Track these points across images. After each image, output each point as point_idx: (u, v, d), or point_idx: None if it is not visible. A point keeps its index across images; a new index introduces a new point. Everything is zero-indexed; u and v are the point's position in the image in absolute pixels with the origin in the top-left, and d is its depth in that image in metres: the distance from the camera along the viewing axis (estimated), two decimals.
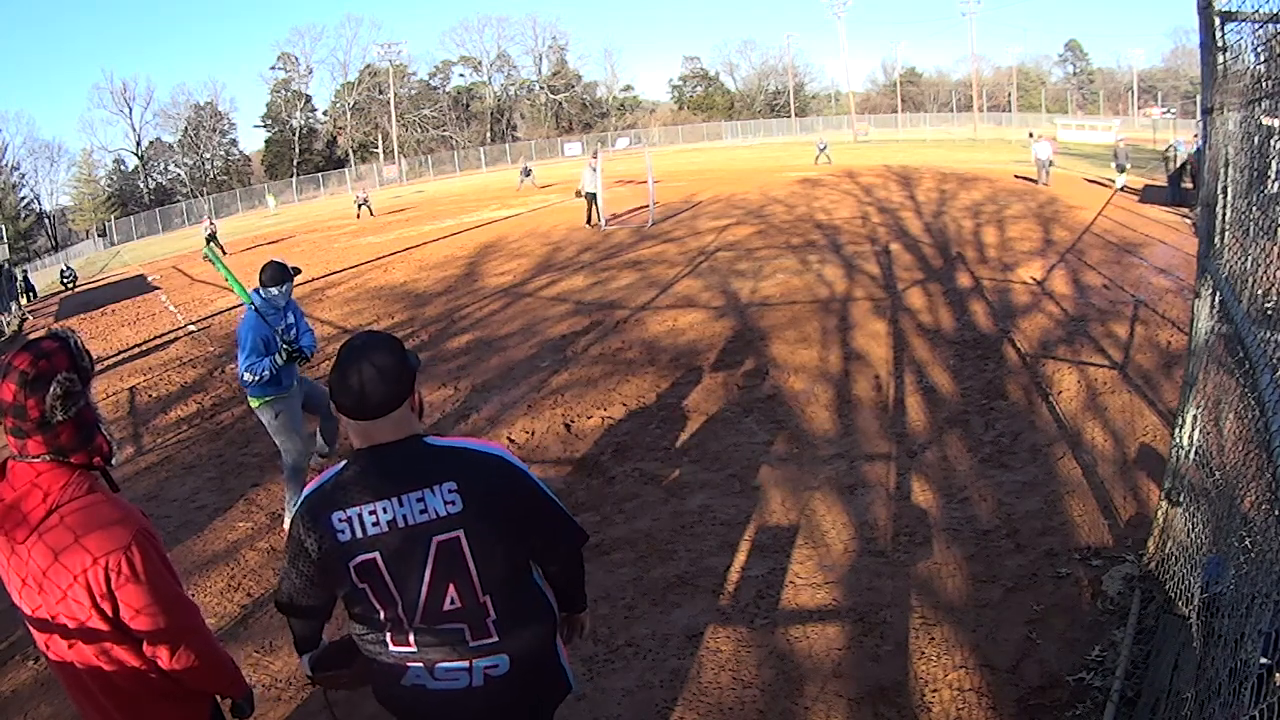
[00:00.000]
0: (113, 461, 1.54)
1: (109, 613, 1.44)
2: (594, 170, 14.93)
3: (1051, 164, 17.72)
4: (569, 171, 35.00)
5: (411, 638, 1.48)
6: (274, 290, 4.07)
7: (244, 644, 3.35)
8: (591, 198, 15.01)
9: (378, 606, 1.47)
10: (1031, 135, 32.37)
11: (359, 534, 1.42)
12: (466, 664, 1.48)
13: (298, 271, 4.29)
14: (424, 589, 1.44)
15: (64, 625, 1.45)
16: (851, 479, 4.35)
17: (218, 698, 1.73)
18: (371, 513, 1.42)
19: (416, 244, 16.21)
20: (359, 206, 25.50)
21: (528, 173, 28.56)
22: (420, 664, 1.50)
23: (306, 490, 1.50)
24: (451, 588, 1.44)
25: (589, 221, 15.08)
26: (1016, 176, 18.74)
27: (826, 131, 36.67)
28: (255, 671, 3.15)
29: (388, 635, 1.50)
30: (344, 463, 1.50)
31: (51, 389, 1.41)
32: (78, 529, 1.41)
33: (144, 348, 10.13)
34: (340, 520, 1.43)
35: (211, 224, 22.69)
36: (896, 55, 64.85)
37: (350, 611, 1.55)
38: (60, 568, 1.40)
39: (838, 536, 3.76)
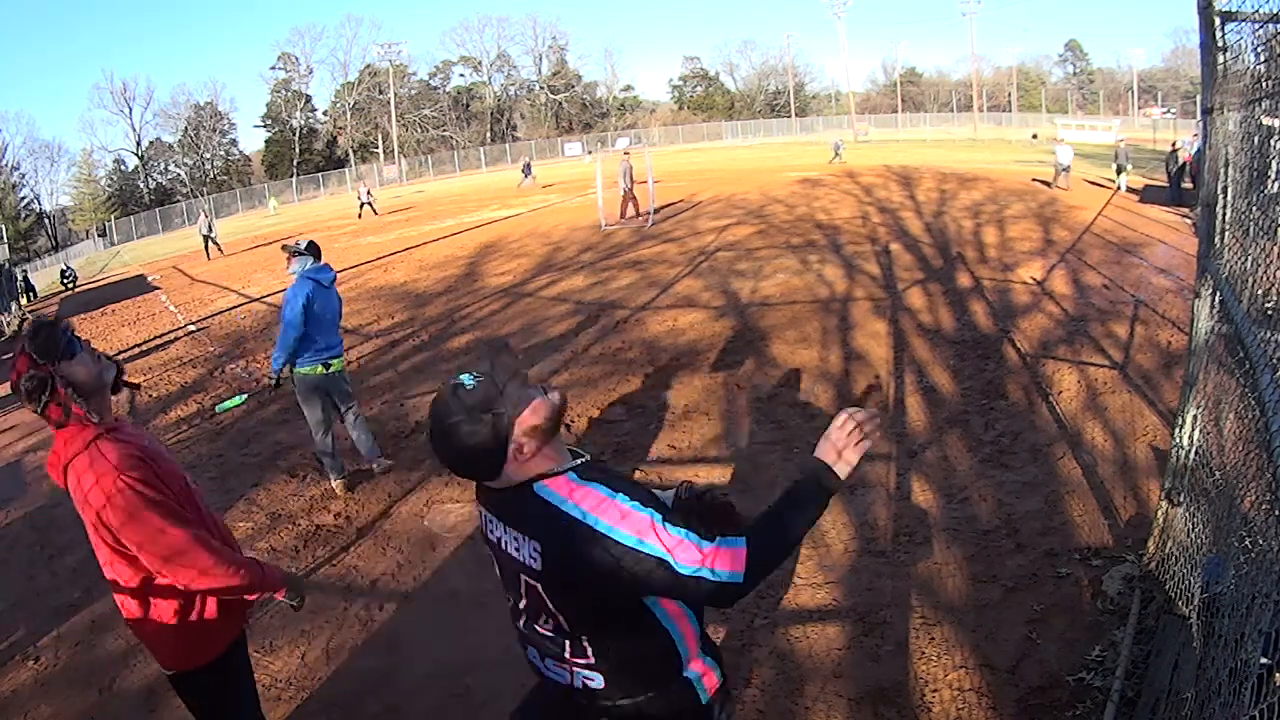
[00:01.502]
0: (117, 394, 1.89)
1: (122, 546, 1.77)
2: (629, 167, 14.97)
3: (1067, 169, 17.13)
4: (568, 171, 35.02)
5: (523, 630, 1.54)
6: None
7: None
8: (628, 194, 15.03)
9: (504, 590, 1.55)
10: (1035, 137, 32.39)
11: (489, 533, 1.51)
12: (567, 670, 1.48)
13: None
14: (521, 607, 1.49)
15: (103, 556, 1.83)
16: (851, 479, 4.34)
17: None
18: (494, 523, 1.48)
19: (417, 244, 16.21)
20: (361, 206, 25.47)
21: (529, 171, 28.52)
22: (535, 648, 1.53)
23: None
24: (542, 616, 1.45)
25: (623, 215, 15.09)
26: (1035, 180, 18.07)
27: (831, 132, 36.65)
28: (256, 671, 3.14)
29: (514, 618, 1.55)
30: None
31: (22, 391, 1.76)
32: (82, 483, 1.74)
33: (144, 348, 10.13)
34: (483, 517, 1.53)
35: (209, 221, 21.62)
36: (896, 55, 64.89)
37: None
38: (82, 514, 1.77)
39: (838, 536, 3.76)
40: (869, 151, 30.86)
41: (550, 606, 1.41)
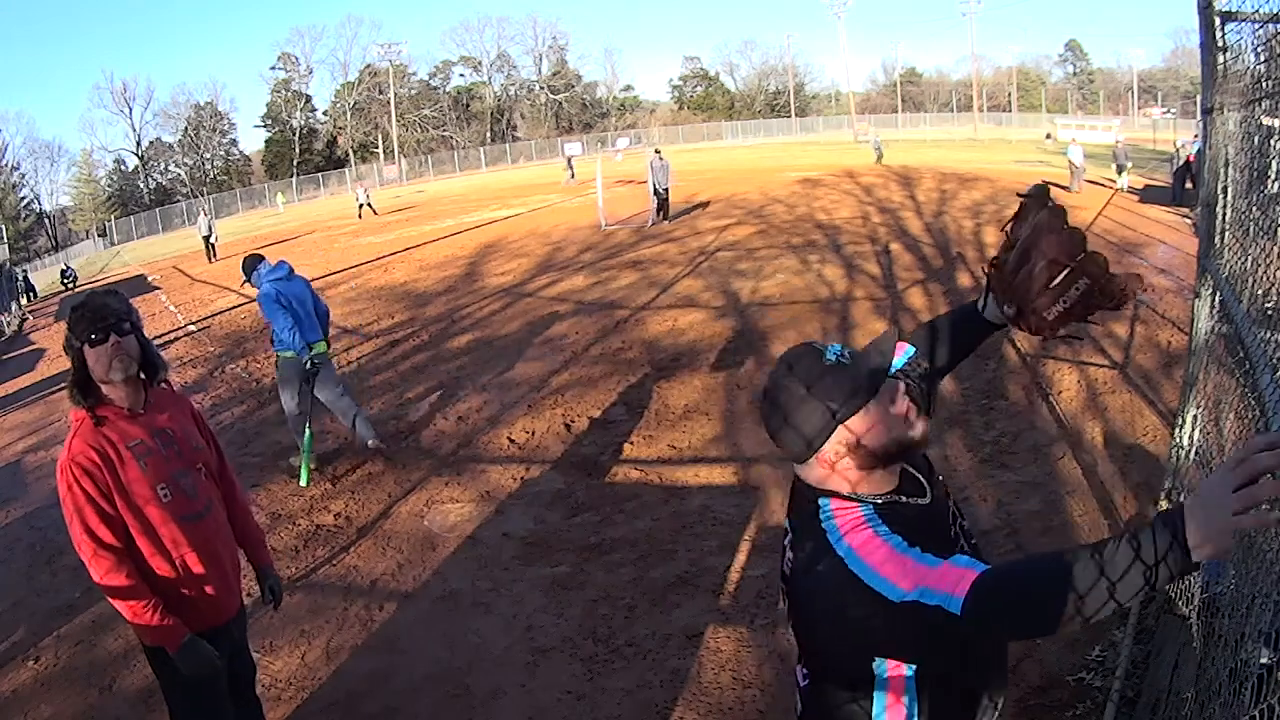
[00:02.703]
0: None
1: None
2: (663, 165, 14.80)
3: (1080, 169, 16.76)
4: (592, 169, 34.96)
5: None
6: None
7: None
8: (664, 192, 14.89)
9: None
10: (1049, 137, 32.23)
11: (788, 530, 1.32)
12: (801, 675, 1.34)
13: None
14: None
15: None
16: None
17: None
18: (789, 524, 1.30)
19: (417, 244, 16.21)
20: (360, 206, 25.47)
21: (570, 164, 28.26)
22: None
23: None
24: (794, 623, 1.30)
25: (659, 218, 14.90)
26: (1046, 181, 17.86)
27: (826, 131, 36.63)
28: (257, 670, 3.14)
29: None
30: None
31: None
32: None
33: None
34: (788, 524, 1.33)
35: (209, 221, 20.88)
36: (896, 55, 64.97)
37: None
38: None
39: None
40: (868, 151, 30.84)
41: (796, 622, 1.26)
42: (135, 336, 1.95)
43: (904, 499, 1.19)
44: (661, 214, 14.89)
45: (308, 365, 4.81)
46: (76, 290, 20.78)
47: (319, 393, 4.98)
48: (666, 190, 14.94)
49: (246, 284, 5.08)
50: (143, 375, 2.00)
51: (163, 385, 2.09)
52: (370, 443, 5.10)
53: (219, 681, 2.07)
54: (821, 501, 1.17)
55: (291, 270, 5.03)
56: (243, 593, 2.22)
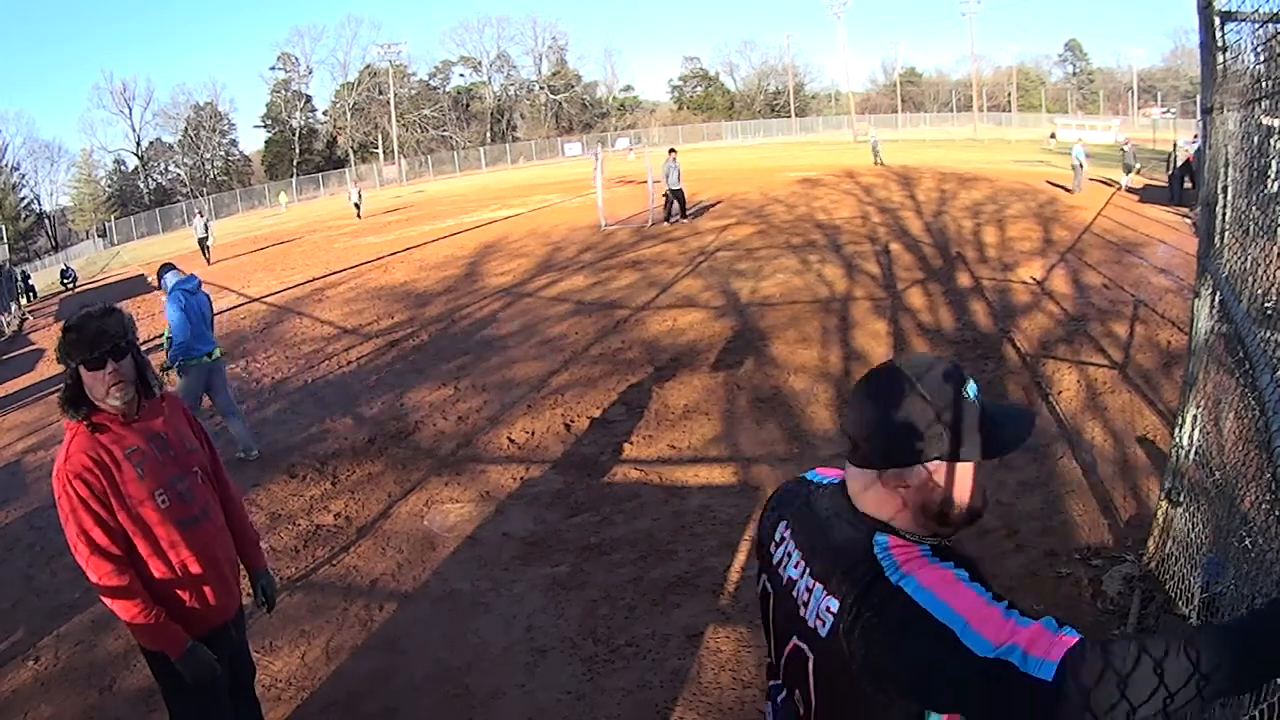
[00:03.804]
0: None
1: None
2: (675, 166, 14.74)
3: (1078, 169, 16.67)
4: (568, 172, 34.98)
5: (771, 684, 1.26)
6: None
7: None
8: (675, 194, 14.85)
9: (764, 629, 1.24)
10: (1053, 137, 32.19)
11: (776, 559, 1.16)
12: None
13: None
14: (781, 667, 1.18)
15: None
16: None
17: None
18: (789, 555, 1.13)
19: (417, 244, 16.21)
20: (356, 206, 25.53)
21: (596, 158, 27.99)
22: (772, 709, 1.26)
23: (808, 474, 1.25)
24: (796, 692, 1.14)
25: (669, 219, 14.78)
26: (1050, 183, 17.71)
27: (826, 131, 36.61)
28: (256, 671, 3.15)
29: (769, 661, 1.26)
30: (840, 480, 1.14)
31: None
32: (54, 471, 1.92)
33: (144, 348, 10.11)
34: (780, 533, 1.18)
35: (204, 222, 20.27)
36: (896, 55, 64.92)
37: None
38: None
39: None
40: (868, 151, 30.84)
41: (809, 685, 1.08)
42: (131, 355, 1.94)
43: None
44: (669, 211, 14.88)
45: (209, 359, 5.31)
46: (77, 291, 20.76)
47: (215, 397, 5.44)
48: (674, 191, 14.91)
49: (158, 289, 5.70)
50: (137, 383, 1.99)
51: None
52: (242, 453, 5.44)
53: (219, 684, 2.07)
54: (878, 537, 1.01)
55: (200, 285, 5.54)
56: (241, 594, 2.22)
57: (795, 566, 1.11)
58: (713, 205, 16.59)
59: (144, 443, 1.96)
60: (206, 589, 2.02)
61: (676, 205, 14.90)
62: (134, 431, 1.95)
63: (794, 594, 1.09)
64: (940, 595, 0.92)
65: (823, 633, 1.02)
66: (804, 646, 1.07)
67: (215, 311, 5.77)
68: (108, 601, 1.91)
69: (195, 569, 1.99)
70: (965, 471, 1.01)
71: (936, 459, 0.99)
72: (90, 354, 1.85)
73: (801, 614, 1.07)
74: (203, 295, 5.48)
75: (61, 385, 1.94)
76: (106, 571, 1.87)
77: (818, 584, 1.05)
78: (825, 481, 1.18)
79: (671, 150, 15.70)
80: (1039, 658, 0.86)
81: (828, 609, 1.02)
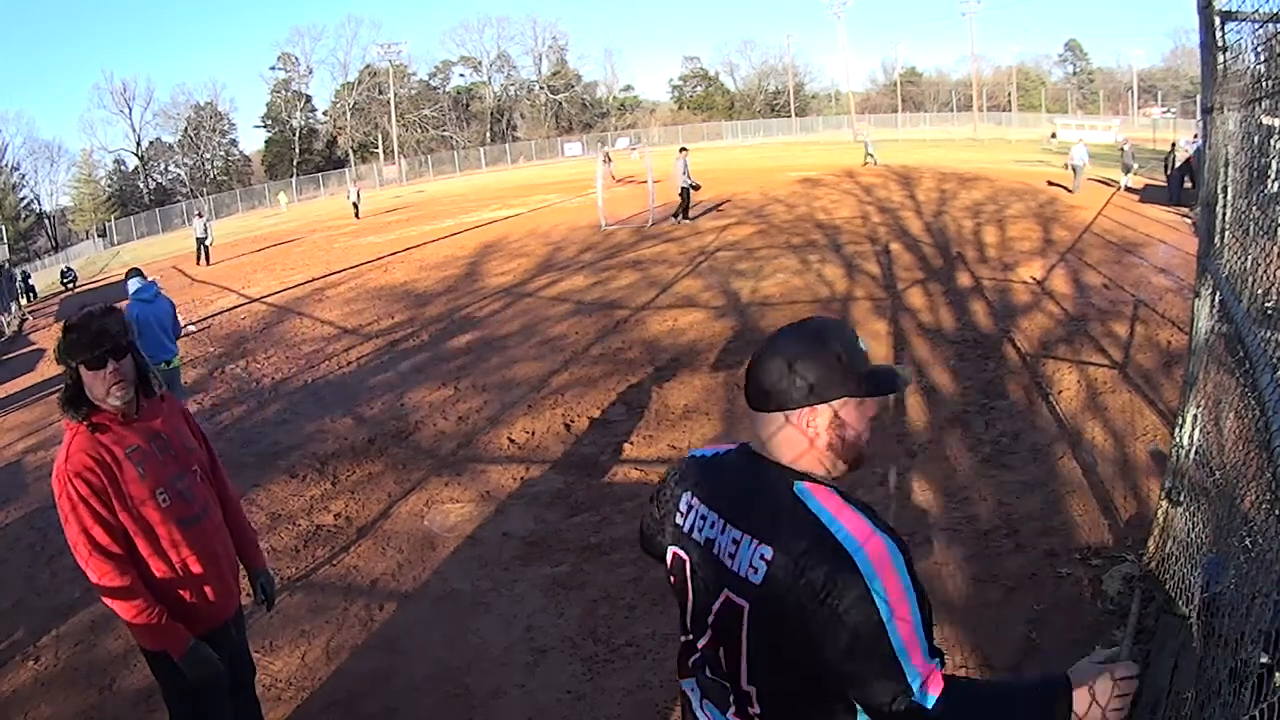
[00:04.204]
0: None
1: None
2: (684, 165, 14.77)
3: (1077, 169, 16.59)
4: (568, 172, 34.99)
5: (693, 660, 1.28)
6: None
7: None
8: (684, 192, 14.85)
9: (682, 608, 1.29)
10: (1054, 137, 32.13)
11: (687, 528, 1.24)
12: None
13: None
14: (706, 629, 1.21)
15: None
16: (851, 479, 4.34)
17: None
18: (704, 518, 1.21)
19: (417, 244, 16.21)
20: (355, 205, 25.55)
21: (609, 160, 27.75)
22: (696, 685, 1.29)
23: (706, 450, 1.33)
24: (722, 650, 1.19)
25: (678, 216, 14.77)
26: (1050, 183, 17.64)
27: (826, 131, 36.58)
28: (256, 671, 3.15)
29: (685, 638, 1.30)
30: (735, 447, 1.27)
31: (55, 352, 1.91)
32: (54, 470, 1.91)
33: None
34: (687, 504, 1.26)
35: (204, 223, 19.91)
36: (896, 55, 64.91)
37: None
38: None
39: None
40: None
41: (740, 639, 1.14)
42: (131, 355, 1.93)
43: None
44: (683, 209, 14.88)
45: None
46: (77, 291, 20.76)
47: None
48: (684, 189, 14.89)
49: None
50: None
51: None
52: None
53: (221, 684, 2.08)
54: (798, 488, 1.11)
55: (158, 292, 5.65)
56: (240, 594, 2.22)
57: (712, 527, 1.18)
58: (718, 205, 16.58)
59: (144, 442, 1.95)
60: (207, 588, 2.02)
61: (681, 204, 14.93)
62: (134, 431, 1.95)
63: (715, 552, 1.17)
64: (877, 570, 1.03)
65: (755, 580, 1.09)
66: (736, 598, 1.12)
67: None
68: (108, 601, 1.90)
69: (196, 568, 1.99)
70: (862, 409, 1.15)
71: (841, 397, 1.12)
72: (91, 353, 1.85)
73: (730, 567, 1.13)
74: (163, 302, 5.57)
75: (61, 385, 1.93)
76: (107, 571, 1.86)
77: (745, 535, 1.13)
78: (719, 452, 1.29)
79: (682, 149, 15.73)
80: (921, 680, 1.01)
81: (761, 557, 1.09)
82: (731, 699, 1.19)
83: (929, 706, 1.01)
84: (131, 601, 1.88)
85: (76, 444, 1.88)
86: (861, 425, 1.15)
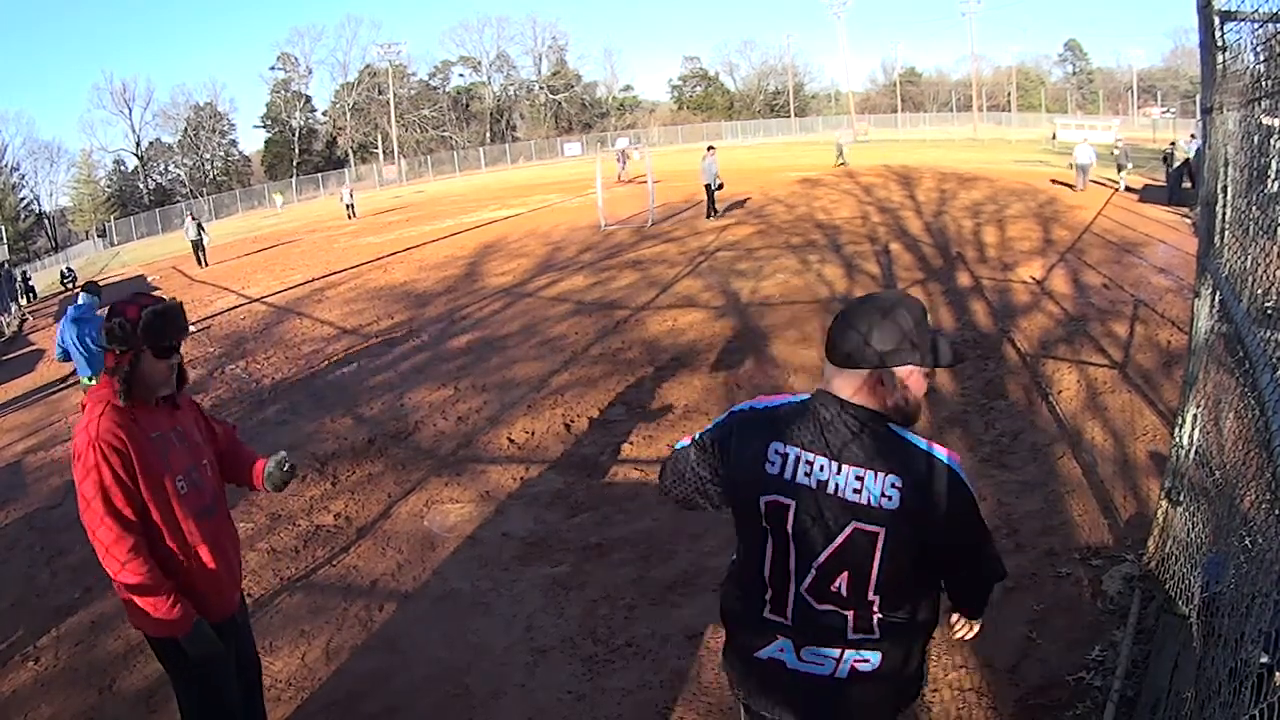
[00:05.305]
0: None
1: None
2: (711, 163, 14.82)
3: (1084, 169, 16.55)
4: (568, 172, 34.99)
5: (790, 610, 1.42)
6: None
7: None
8: (709, 189, 14.89)
9: (770, 557, 1.42)
10: (1055, 138, 32.08)
11: (788, 475, 1.38)
12: (838, 652, 1.40)
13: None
14: (819, 562, 1.37)
15: None
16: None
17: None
18: (810, 463, 1.37)
19: (416, 244, 16.21)
20: (348, 207, 25.53)
21: (623, 160, 27.46)
22: (789, 640, 1.43)
23: (764, 402, 1.50)
24: (845, 575, 1.36)
25: (711, 214, 14.84)
26: (1053, 181, 17.61)
27: (827, 131, 36.57)
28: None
29: (768, 595, 1.44)
30: (808, 397, 1.43)
31: (113, 328, 1.91)
32: (75, 429, 1.92)
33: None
34: (777, 452, 1.39)
35: (197, 224, 19.48)
36: (896, 55, 64.92)
37: (741, 551, 1.51)
38: None
39: None
40: (869, 151, 30.86)
41: (874, 559, 1.33)
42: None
43: None
44: (710, 209, 14.92)
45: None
46: (76, 291, 20.72)
47: None
48: (709, 186, 14.90)
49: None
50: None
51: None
52: None
53: (229, 673, 2.08)
54: (891, 427, 1.36)
55: (91, 312, 5.72)
56: (243, 594, 2.23)
57: (822, 470, 1.36)
58: (728, 208, 16.56)
59: (167, 429, 1.99)
60: (216, 579, 2.04)
61: (708, 202, 15.01)
62: (159, 417, 1.99)
63: (832, 491, 1.35)
64: (965, 475, 1.36)
65: (891, 506, 1.32)
66: (868, 525, 1.33)
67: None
68: (115, 569, 1.86)
69: (207, 558, 2.01)
70: (919, 374, 1.37)
71: (909, 364, 1.35)
72: (169, 342, 1.93)
73: (859, 500, 1.33)
74: (97, 322, 5.58)
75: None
76: (118, 534, 1.85)
77: (869, 470, 1.33)
78: (788, 402, 1.47)
79: (710, 148, 15.80)
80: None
81: (893, 485, 1.32)
82: (851, 618, 1.38)
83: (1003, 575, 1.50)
84: (140, 570, 1.87)
85: (106, 416, 1.88)
86: (920, 388, 1.38)
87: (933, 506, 1.32)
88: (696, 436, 1.57)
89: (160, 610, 1.90)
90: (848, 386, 1.36)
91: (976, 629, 1.74)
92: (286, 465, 2.30)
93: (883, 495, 1.31)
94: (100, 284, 6.49)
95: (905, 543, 1.33)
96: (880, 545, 1.33)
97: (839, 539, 1.34)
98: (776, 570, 1.41)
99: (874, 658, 1.40)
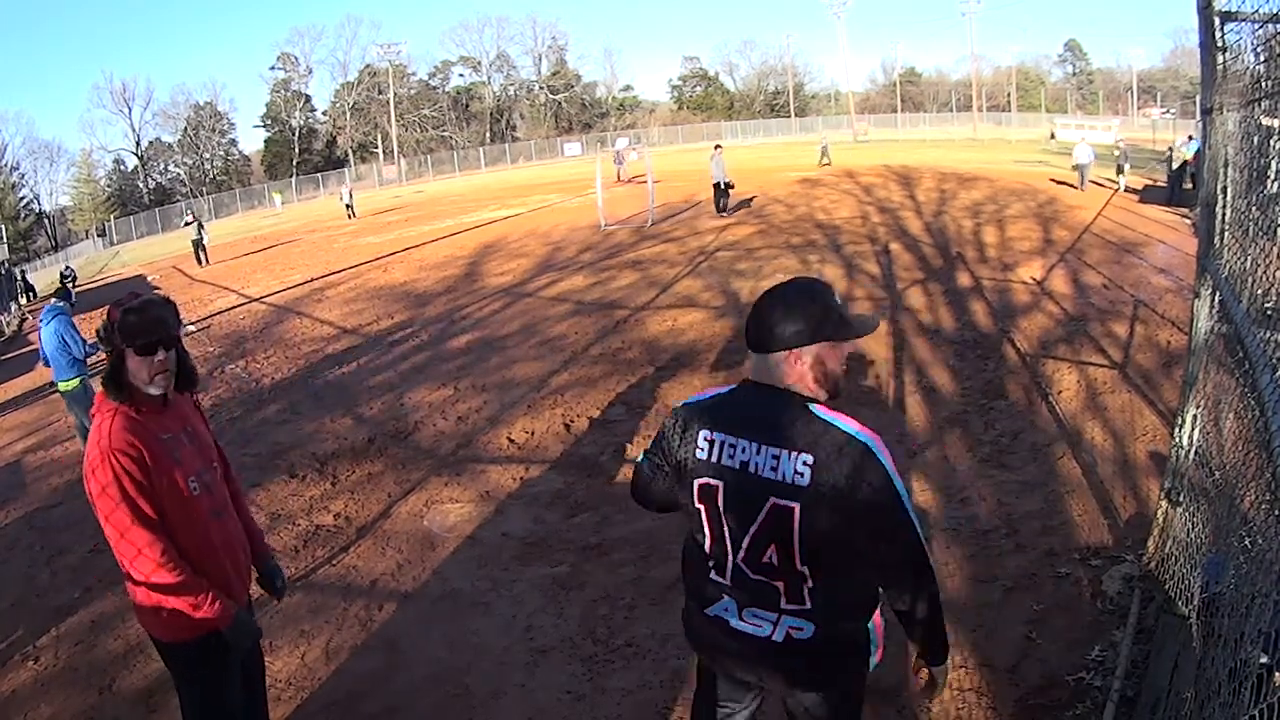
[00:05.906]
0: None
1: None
2: (718, 161, 14.86)
3: (1085, 168, 16.67)
4: (568, 172, 35.01)
5: (729, 574, 1.54)
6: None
7: None
8: (718, 188, 14.91)
9: (707, 532, 1.54)
10: (1053, 137, 32.05)
11: (714, 458, 1.50)
12: (775, 617, 1.51)
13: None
14: (748, 538, 1.49)
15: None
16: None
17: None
18: (733, 446, 1.48)
19: (416, 244, 16.21)
20: (348, 207, 25.52)
21: (620, 160, 27.33)
22: (733, 600, 1.55)
23: (697, 396, 1.66)
24: (773, 547, 1.47)
25: (719, 211, 14.89)
26: (1052, 180, 17.71)
27: (826, 131, 36.57)
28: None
29: (711, 563, 1.56)
30: (735, 386, 1.57)
31: (101, 331, 1.92)
32: (89, 443, 1.89)
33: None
34: (706, 439, 1.52)
35: (198, 223, 19.70)
36: (896, 55, 64.91)
37: (689, 527, 1.62)
38: None
39: None
40: (868, 151, 30.87)
41: (793, 533, 1.43)
42: (176, 349, 1.96)
43: None
44: (721, 204, 14.96)
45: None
46: (77, 291, 20.72)
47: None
48: (719, 184, 14.92)
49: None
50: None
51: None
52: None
53: (234, 673, 2.09)
54: (813, 408, 1.45)
55: (52, 317, 5.65)
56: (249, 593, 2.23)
57: (744, 451, 1.47)
58: (709, 205, 16.56)
59: (177, 431, 1.99)
60: (229, 579, 2.04)
61: (723, 199, 15.03)
62: (168, 419, 1.98)
63: (752, 471, 1.46)
64: (887, 460, 1.42)
65: (803, 483, 1.41)
66: (784, 501, 1.42)
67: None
68: (149, 571, 1.85)
69: (222, 558, 2.02)
70: (836, 350, 1.48)
71: (825, 339, 1.46)
72: (144, 339, 1.89)
73: (774, 478, 1.43)
74: (55, 326, 5.56)
75: (107, 369, 1.94)
76: (149, 540, 1.84)
77: (784, 450, 1.43)
78: (718, 393, 1.60)
79: (717, 146, 15.82)
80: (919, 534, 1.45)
81: (804, 463, 1.41)
82: (783, 588, 1.48)
83: (931, 569, 1.48)
84: (176, 571, 1.86)
85: (117, 423, 1.88)
86: (836, 363, 1.49)
87: (843, 482, 1.39)
88: (649, 446, 1.73)
89: (202, 607, 1.89)
90: (765, 371, 1.48)
91: (941, 685, 1.68)
92: (279, 582, 2.32)
93: (795, 473, 1.41)
94: (73, 289, 6.50)
95: (821, 517, 1.42)
96: (797, 520, 1.42)
97: (760, 515, 1.45)
98: (716, 544, 1.54)
99: (807, 628, 1.50)
